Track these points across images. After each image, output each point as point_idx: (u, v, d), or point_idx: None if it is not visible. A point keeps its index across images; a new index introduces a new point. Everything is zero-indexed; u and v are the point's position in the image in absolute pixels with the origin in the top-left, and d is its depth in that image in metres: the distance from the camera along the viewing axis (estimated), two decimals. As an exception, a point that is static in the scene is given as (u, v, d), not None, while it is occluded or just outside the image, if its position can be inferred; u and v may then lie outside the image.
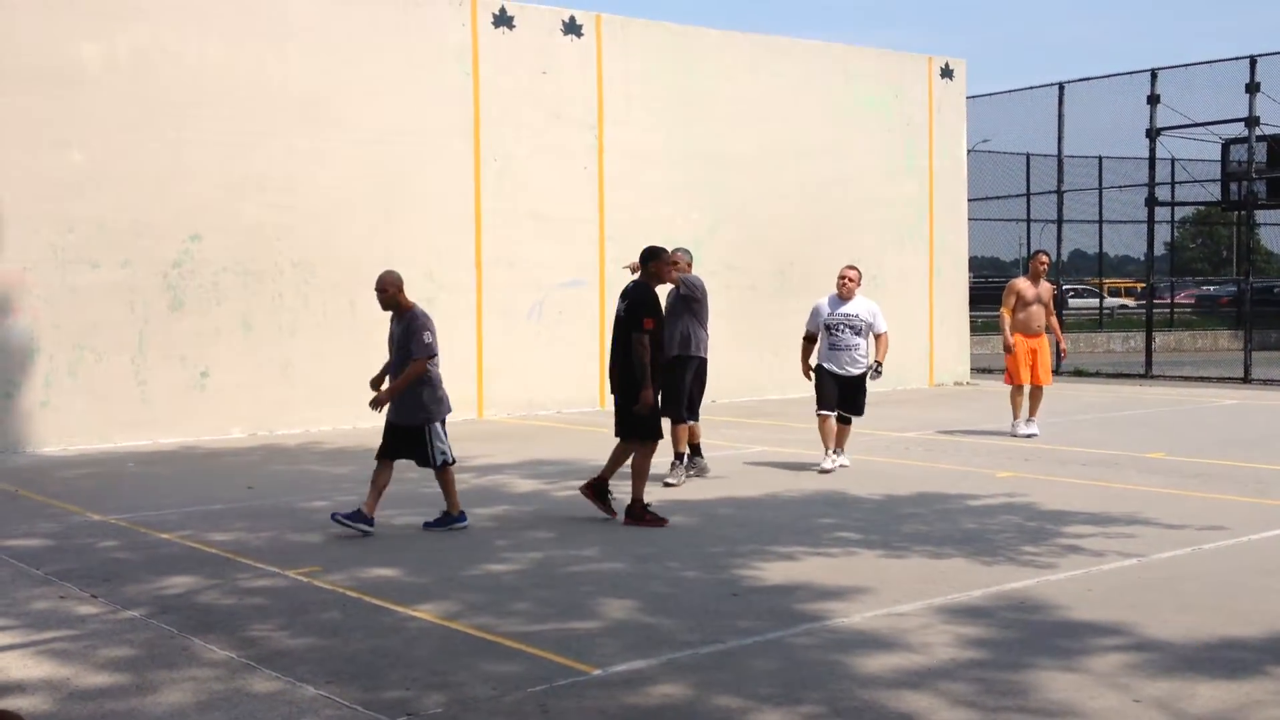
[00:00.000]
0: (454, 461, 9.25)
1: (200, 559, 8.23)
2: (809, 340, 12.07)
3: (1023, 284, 14.57)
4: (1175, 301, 40.67)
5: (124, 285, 14.45)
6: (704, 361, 11.44)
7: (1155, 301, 26.35)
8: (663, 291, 10.43)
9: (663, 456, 10.73)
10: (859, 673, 5.69)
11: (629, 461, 9.50)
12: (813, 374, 12.02)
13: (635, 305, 9.40)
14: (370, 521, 8.88)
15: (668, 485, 10.91)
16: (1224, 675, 5.60)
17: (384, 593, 7.24)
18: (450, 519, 9.17)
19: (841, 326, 11.82)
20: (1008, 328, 14.49)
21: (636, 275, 9.69)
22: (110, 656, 6.05)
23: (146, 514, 9.86)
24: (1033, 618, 6.59)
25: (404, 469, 9.77)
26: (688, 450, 11.36)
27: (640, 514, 9.30)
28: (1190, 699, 5.30)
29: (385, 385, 9.40)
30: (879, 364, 11.92)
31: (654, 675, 5.69)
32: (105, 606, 7.02)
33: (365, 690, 5.52)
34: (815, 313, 12.08)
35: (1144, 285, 25.53)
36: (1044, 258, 14.86)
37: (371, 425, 15.72)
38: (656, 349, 9.43)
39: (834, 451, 11.85)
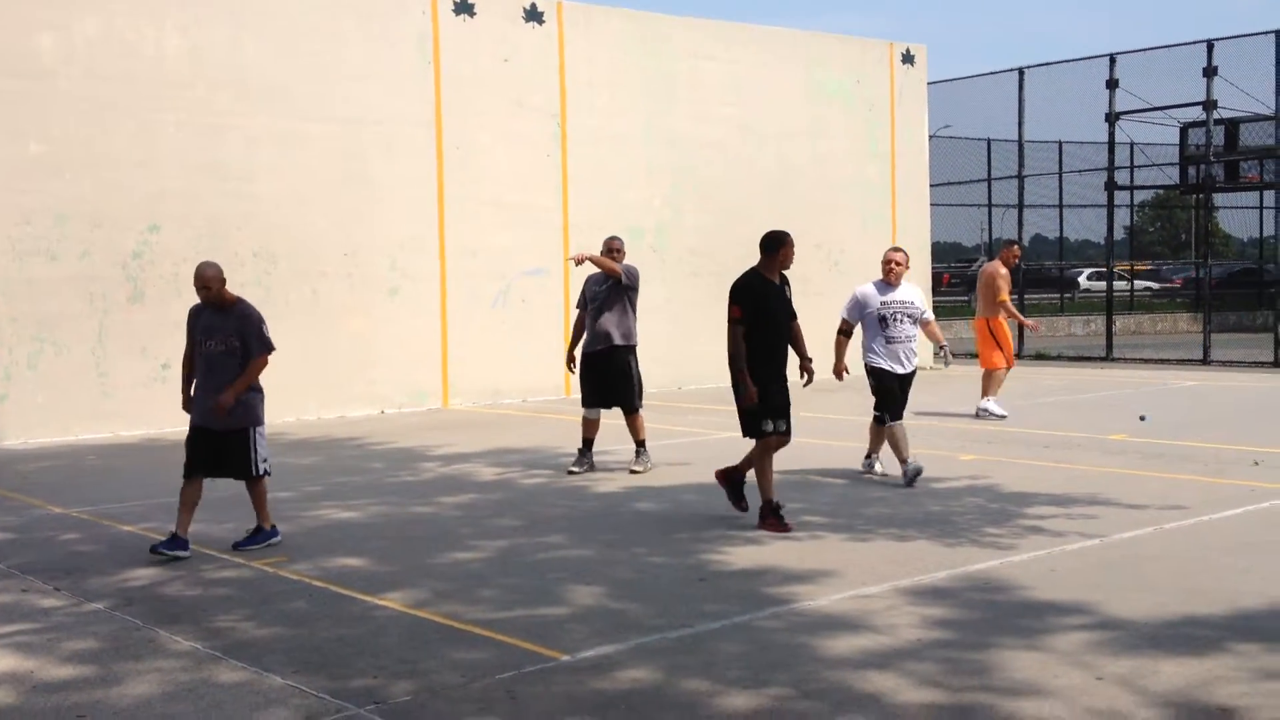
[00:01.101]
0: (270, 473, 8.39)
1: (164, 551, 8.16)
2: (846, 335, 10.56)
3: (1006, 270, 15.10)
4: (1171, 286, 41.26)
5: (83, 277, 14.31)
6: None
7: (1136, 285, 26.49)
8: (571, 274, 10.42)
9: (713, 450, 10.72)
10: (826, 654, 5.73)
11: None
12: (847, 374, 10.56)
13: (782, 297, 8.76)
14: (185, 545, 7.87)
15: (571, 472, 10.99)
16: (1186, 652, 5.67)
17: (350, 582, 7.22)
18: (264, 534, 8.24)
19: (900, 316, 10.40)
20: (1016, 311, 15.49)
21: (580, 266, 9.64)
22: (74, 649, 6.01)
23: (109, 506, 9.79)
24: (996, 598, 6.65)
25: (391, 453, 9.74)
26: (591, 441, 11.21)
27: (765, 515, 8.54)
28: (1153, 676, 5.36)
29: (195, 389, 8.32)
30: (943, 347, 11.01)
31: (622, 660, 5.71)
32: (68, 599, 6.97)
33: (332, 679, 5.51)
34: (859, 302, 10.59)
35: (1146, 266, 25.52)
36: (1018, 250, 15.99)
37: (335, 415, 15.71)
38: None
39: (907, 461, 10.23)
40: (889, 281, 10.52)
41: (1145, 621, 6.15)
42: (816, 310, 20.35)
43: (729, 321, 8.53)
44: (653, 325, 18.49)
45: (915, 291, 10.67)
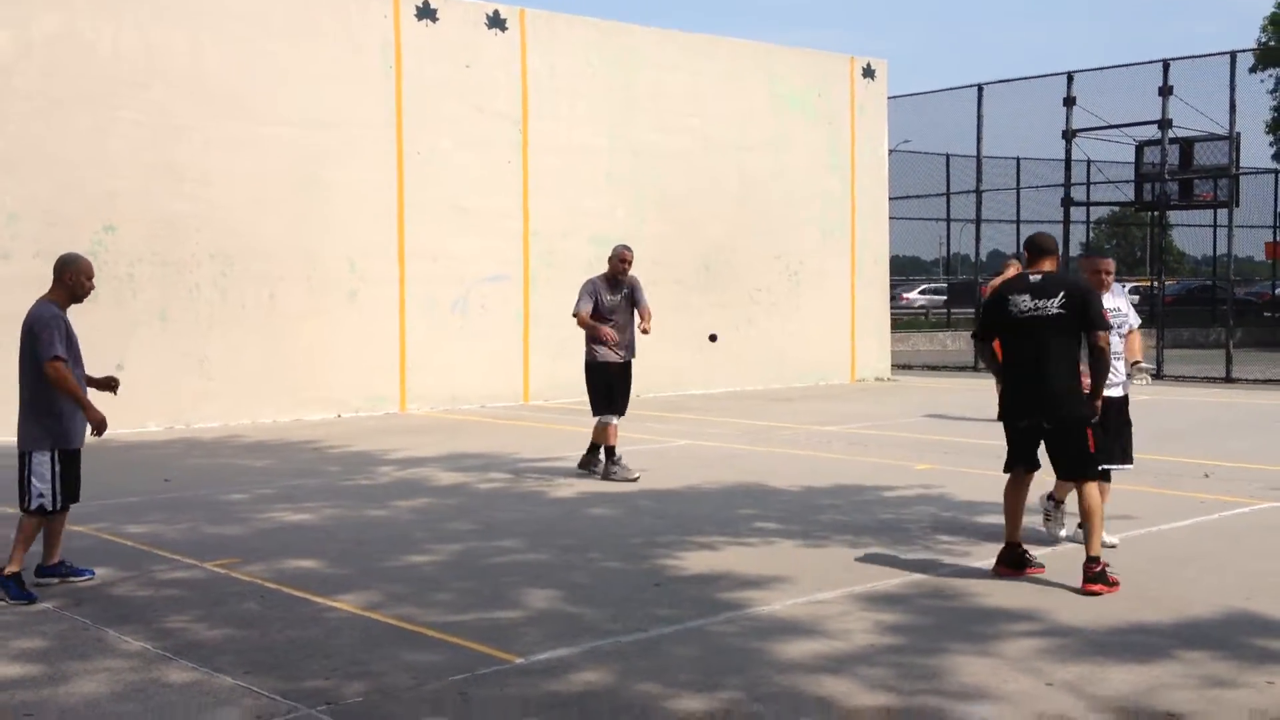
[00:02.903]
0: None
1: (116, 551, 8.11)
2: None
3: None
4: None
5: (36, 277, 14.09)
6: None
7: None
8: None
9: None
10: (778, 659, 5.75)
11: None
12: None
13: (1081, 307, 7.12)
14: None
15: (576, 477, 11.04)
16: (1134, 659, 5.73)
17: (303, 584, 7.18)
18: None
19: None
20: None
21: None
22: (22, 648, 5.94)
23: (59, 507, 9.67)
24: (948, 604, 6.70)
25: (350, 455, 9.68)
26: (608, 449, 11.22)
27: (1091, 574, 6.98)
28: (1101, 682, 5.42)
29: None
30: (1139, 364, 8.63)
31: (576, 663, 5.71)
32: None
33: (284, 680, 5.48)
34: None
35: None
36: (1017, 265, 15.84)
37: (291, 419, 15.62)
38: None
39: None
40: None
41: (1094, 629, 6.22)
42: (773, 318, 20.52)
43: (1102, 330, 7.21)
44: (612, 333, 18.53)
45: (1123, 297, 8.53)
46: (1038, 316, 7.13)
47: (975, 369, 24.61)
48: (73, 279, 7.32)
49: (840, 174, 21.57)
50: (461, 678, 5.50)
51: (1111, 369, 7.59)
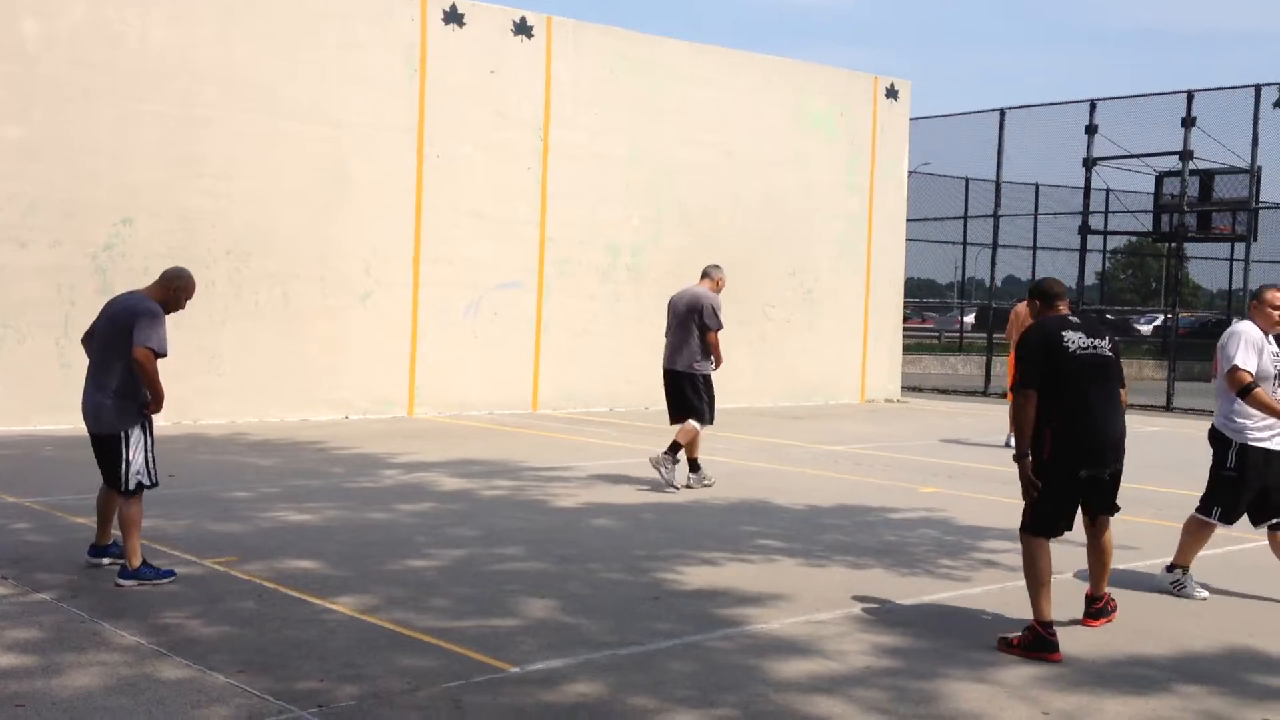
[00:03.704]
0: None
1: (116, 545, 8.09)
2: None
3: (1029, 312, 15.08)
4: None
5: (52, 266, 14.22)
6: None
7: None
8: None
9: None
10: (775, 677, 5.72)
11: None
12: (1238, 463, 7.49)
13: (1119, 353, 6.73)
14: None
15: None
16: (1132, 691, 5.69)
17: (302, 584, 7.17)
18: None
19: None
20: None
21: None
22: (17, 638, 5.94)
23: (64, 498, 9.70)
24: (948, 629, 6.66)
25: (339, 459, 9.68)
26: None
27: (1105, 609, 6.87)
28: (1098, 713, 5.38)
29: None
30: None
31: (571, 674, 5.69)
32: (15, 588, 6.89)
33: (277, 680, 5.47)
34: (1247, 343, 7.39)
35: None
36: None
37: (299, 418, 15.63)
38: None
39: None
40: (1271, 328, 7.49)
41: (1093, 659, 6.18)
42: (785, 336, 20.48)
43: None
44: (623, 345, 18.53)
45: None
46: (1097, 355, 6.51)
47: (984, 394, 24.55)
48: (177, 290, 7.69)
49: (859, 194, 21.55)
50: (456, 685, 5.48)
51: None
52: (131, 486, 7.20)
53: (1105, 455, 6.52)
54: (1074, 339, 6.49)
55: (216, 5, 15.13)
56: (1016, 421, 6.53)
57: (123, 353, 7.23)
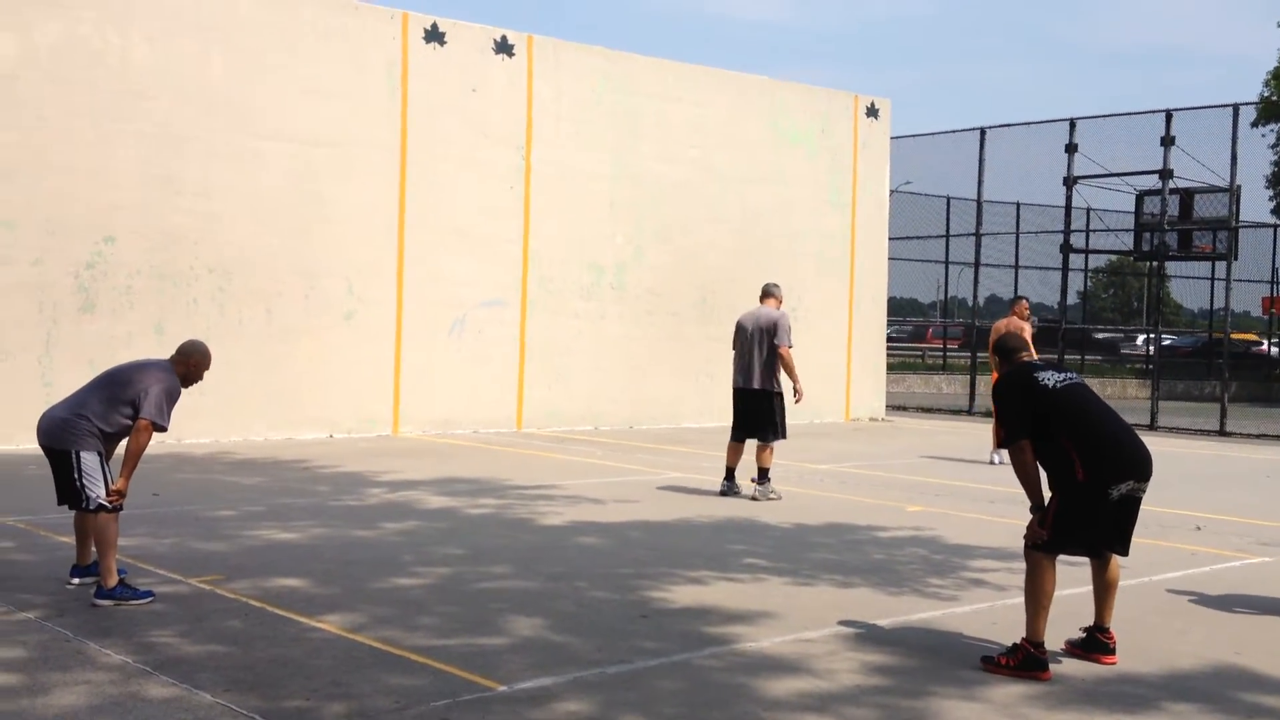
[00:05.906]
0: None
1: (100, 563, 8.03)
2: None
3: (1024, 324, 15.31)
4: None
5: (33, 284, 14.15)
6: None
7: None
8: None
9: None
10: (763, 696, 5.71)
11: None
12: None
13: None
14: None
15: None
16: (1121, 710, 5.69)
17: (288, 603, 7.13)
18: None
19: None
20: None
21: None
22: (1, 658, 5.89)
23: (48, 516, 9.62)
24: (937, 648, 6.65)
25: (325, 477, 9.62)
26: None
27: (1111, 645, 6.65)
28: (1087, 731, 5.38)
29: None
30: None
31: (559, 693, 5.66)
32: (-2, 608, 6.84)
33: (264, 699, 5.43)
34: None
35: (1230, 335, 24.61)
36: (1025, 303, 16.24)
37: (283, 437, 15.56)
38: None
39: None
40: None
41: (1082, 678, 6.18)
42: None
43: None
44: (607, 363, 18.52)
45: None
46: (1075, 384, 6.43)
47: (970, 412, 24.61)
48: (195, 365, 7.49)
49: (841, 211, 21.61)
50: (443, 703, 5.45)
51: None
52: (92, 508, 7.12)
53: (1142, 466, 6.36)
54: (1047, 377, 6.40)
55: (197, 24, 15.12)
56: (1020, 477, 6.38)
57: (118, 399, 7.17)
